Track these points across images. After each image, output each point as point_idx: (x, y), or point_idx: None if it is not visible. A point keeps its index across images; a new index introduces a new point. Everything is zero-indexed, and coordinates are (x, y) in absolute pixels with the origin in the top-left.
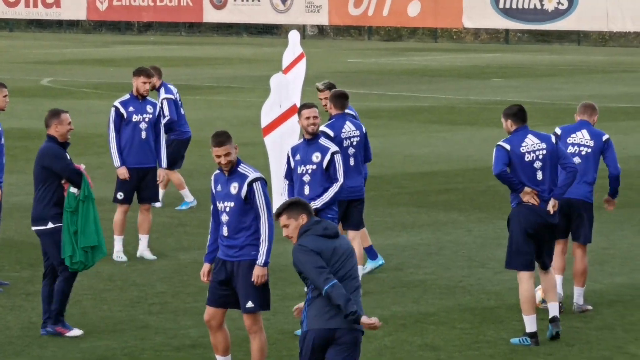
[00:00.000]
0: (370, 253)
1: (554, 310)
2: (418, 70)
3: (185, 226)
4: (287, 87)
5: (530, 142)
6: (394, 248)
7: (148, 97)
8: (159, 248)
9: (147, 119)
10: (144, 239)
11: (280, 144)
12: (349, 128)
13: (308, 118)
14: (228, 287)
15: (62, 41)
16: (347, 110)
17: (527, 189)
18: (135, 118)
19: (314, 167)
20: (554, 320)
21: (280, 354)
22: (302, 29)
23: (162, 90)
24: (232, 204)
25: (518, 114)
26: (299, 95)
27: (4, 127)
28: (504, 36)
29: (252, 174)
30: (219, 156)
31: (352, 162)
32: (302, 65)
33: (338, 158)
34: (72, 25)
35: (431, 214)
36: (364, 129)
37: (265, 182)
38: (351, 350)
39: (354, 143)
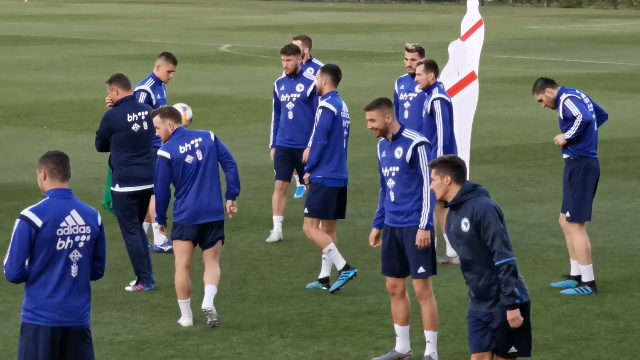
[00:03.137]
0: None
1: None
2: (598, 37)
3: (362, 192)
4: (465, 54)
5: None
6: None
7: (303, 74)
8: None
9: (294, 99)
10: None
11: (459, 111)
12: (345, 109)
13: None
14: (398, 254)
15: (241, 7)
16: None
17: None
18: (283, 98)
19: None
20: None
21: (457, 320)
22: None
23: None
24: (397, 169)
25: None
26: (477, 62)
27: (183, 94)
28: None
29: (417, 138)
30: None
31: (344, 144)
32: (480, 32)
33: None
34: None
35: (610, 182)
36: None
37: (429, 147)
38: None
39: (348, 126)
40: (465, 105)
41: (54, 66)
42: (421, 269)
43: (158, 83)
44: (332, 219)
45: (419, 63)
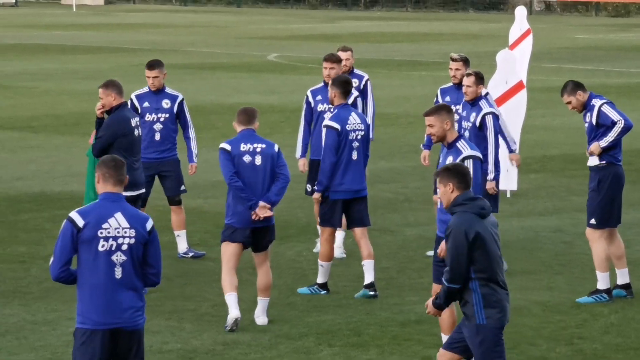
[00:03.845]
0: None
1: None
2: None
3: (410, 202)
4: (513, 63)
5: None
6: (621, 226)
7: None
8: (384, 223)
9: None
10: (341, 235)
11: (506, 120)
12: (354, 120)
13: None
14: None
15: (289, 17)
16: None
17: None
18: (320, 107)
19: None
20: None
21: (505, 330)
22: (529, 4)
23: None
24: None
25: None
26: (525, 72)
27: (231, 103)
28: None
29: (466, 151)
30: None
31: (354, 156)
32: (528, 42)
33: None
34: (299, 0)
35: None
36: (368, 122)
37: (479, 162)
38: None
39: (359, 137)
40: (513, 115)
41: (102, 75)
42: None
43: (151, 92)
44: (338, 227)
45: (468, 74)
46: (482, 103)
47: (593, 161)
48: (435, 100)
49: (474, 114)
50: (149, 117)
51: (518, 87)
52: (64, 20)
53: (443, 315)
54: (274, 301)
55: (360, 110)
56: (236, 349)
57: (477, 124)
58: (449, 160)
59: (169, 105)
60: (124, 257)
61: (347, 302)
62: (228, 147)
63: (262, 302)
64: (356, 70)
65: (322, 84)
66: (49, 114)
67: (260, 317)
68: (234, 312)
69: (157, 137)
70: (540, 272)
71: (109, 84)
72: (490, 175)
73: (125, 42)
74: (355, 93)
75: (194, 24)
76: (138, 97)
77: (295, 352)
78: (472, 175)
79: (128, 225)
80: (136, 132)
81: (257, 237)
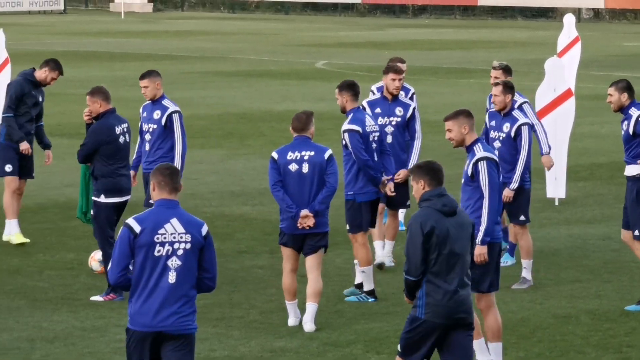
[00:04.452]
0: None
1: None
2: None
3: None
4: (562, 71)
5: None
6: None
7: (399, 97)
8: None
9: (393, 122)
10: (389, 245)
11: (555, 128)
12: (369, 122)
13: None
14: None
15: (337, 24)
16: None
17: None
18: (381, 121)
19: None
20: None
21: (554, 338)
22: (577, 12)
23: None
24: (463, 180)
25: None
26: (573, 79)
27: (279, 110)
28: None
29: (479, 153)
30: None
31: (375, 157)
32: (577, 49)
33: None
34: (347, 8)
35: None
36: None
37: (492, 163)
38: None
39: (375, 138)
40: (562, 122)
41: None
42: (484, 285)
43: (151, 102)
44: (369, 229)
45: (497, 84)
46: (517, 113)
47: (631, 171)
48: (486, 107)
49: (507, 124)
50: (144, 127)
51: (566, 94)
52: (112, 27)
53: (487, 321)
54: (322, 308)
55: (417, 122)
56: (284, 356)
57: (512, 134)
58: (467, 163)
59: (159, 116)
60: (179, 262)
61: (395, 310)
62: (276, 155)
63: (310, 308)
64: (404, 83)
65: (378, 94)
66: None
67: (308, 324)
68: (291, 320)
69: (147, 147)
70: (589, 280)
71: (95, 91)
72: (513, 185)
73: (173, 49)
74: (413, 104)
75: (242, 31)
76: (143, 106)
77: (343, 359)
78: (487, 176)
79: (184, 231)
80: (122, 139)
81: (306, 242)
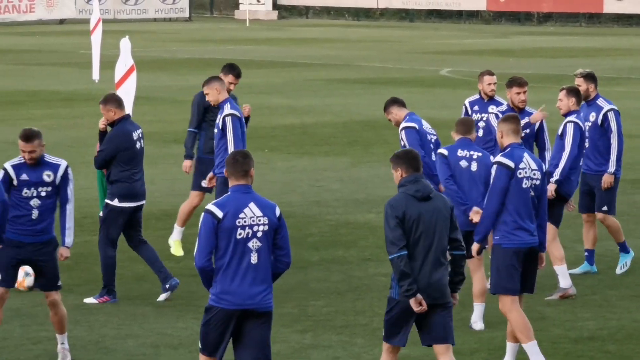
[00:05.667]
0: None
1: None
2: None
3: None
4: None
5: None
6: None
7: (526, 109)
8: (562, 241)
9: (485, 118)
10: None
11: None
12: (426, 124)
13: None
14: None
15: (462, 31)
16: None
17: None
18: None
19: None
20: None
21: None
22: None
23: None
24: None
25: None
26: None
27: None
28: None
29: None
30: None
31: (433, 156)
32: None
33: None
34: (471, 15)
35: None
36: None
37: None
38: None
39: (433, 140)
40: None
41: (275, 90)
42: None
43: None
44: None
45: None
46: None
47: None
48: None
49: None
50: (214, 132)
51: None
52: (237, 34)
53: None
54: None
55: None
56: None
57: (560, 131)
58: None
59: (218, 120)
60: (259, 244)
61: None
62: (445, 152)
63: (478, 308)
64: (496, 97)
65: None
66: None
67: (478, 323)
68: (477, 324)
69: (215, 150)
70: None
71: (107, 99)
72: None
73: (298, 56)
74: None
75: (367, 39)
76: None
77: None
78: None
79: (261, 214)
80: (138, 145)
81: (469, 241)
